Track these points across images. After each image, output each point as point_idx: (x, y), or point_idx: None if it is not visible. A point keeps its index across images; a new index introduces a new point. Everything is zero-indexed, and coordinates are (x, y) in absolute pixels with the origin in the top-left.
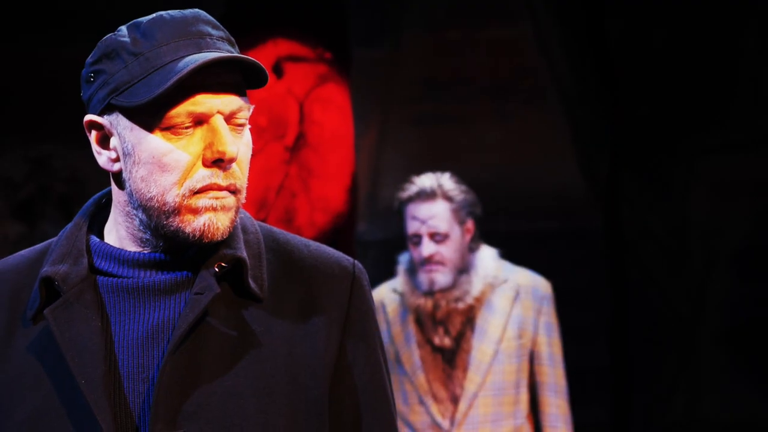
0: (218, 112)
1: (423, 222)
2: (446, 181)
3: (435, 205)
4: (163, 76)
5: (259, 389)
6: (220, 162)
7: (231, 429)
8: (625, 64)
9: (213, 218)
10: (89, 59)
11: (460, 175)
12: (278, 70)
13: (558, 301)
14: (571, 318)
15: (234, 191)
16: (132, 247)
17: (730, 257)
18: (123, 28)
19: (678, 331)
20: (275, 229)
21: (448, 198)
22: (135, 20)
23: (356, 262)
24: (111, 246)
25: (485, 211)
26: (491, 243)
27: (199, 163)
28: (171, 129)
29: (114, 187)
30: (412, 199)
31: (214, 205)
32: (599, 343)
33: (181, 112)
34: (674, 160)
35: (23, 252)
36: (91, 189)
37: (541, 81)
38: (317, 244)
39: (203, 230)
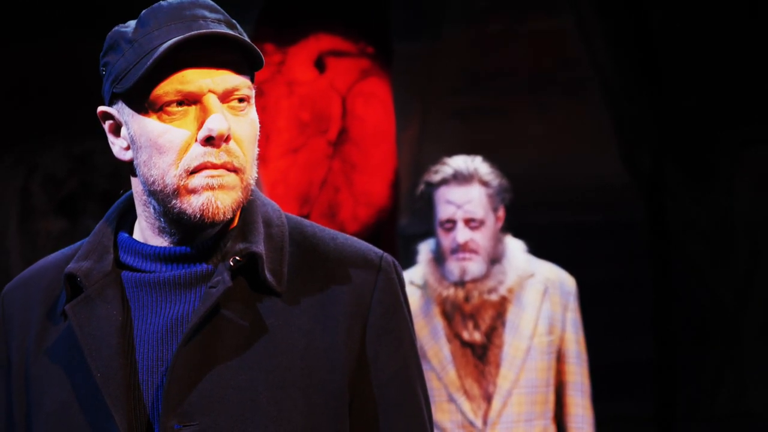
0: (210, 90)
1: (459, 207)
2: (481, 164)
3: (471, 189)
4: (148, 58)
5: (273, 382)
6: (211, 140)
7: (243, 422)
8: (668, 55)
9: (211, 197)
10: (101, 54)
11: (502, 168)
12: (320, 65)
13: (601, 293)
14: (615, 311)
15: (233, 170)
16: (153, 239)
17: None
18: (130, 21)
19: (723, 323)
20: (306, 222)
21: (484, 183)
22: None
23: (385, 254)
24: (136, 241)
25: (528, 203)
26: (532, 235)
27: (194, 142)
28: (164, 110)
29: (131, 177)
30: (446, 181)
31: (211, 184)
32: (643, 336)
33: (170, 91)
34: (718, 151)
35: (64, 249)
36: None
37: (583, 73)
38: (346, 236)
39: (203, 210)
